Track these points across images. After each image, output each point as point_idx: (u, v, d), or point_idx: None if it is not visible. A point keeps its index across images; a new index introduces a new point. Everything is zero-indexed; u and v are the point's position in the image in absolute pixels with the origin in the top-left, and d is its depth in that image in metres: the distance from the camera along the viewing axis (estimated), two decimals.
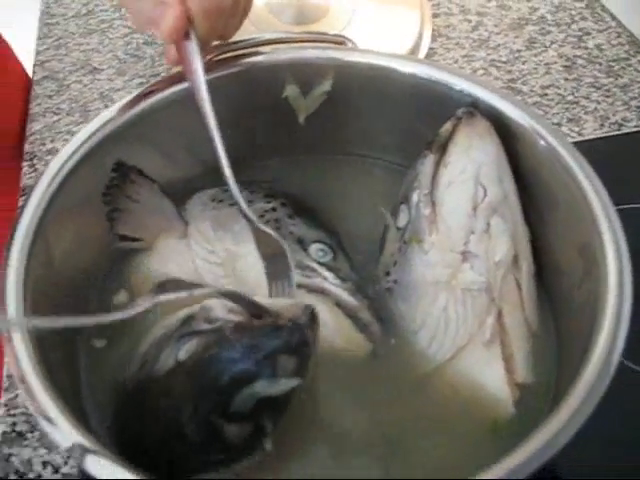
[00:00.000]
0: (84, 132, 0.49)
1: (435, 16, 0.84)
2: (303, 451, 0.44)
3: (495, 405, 0.46)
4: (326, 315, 0.48)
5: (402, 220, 0.50)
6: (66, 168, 0.47)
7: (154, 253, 0.53)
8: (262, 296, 0.47)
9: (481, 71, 0.78)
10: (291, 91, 0.53)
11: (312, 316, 0.42)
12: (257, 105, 0.55)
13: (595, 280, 0.42)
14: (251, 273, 0.50)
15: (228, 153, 0.48)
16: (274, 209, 0.53)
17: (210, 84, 0.49)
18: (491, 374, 0.46)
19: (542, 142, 0.48)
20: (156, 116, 0.52)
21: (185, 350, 0.41)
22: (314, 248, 0.51)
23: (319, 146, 0.57)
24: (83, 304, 0.50)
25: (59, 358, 0.43)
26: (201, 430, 0.40)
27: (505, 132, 0.49)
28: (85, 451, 0.35)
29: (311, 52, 0.53)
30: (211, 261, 0.51)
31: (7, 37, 0.79)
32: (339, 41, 0.54)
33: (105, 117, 0.50)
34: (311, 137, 0.56)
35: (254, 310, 0.41)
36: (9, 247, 0.43)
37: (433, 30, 0.82)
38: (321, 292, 0.49)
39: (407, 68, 0.52)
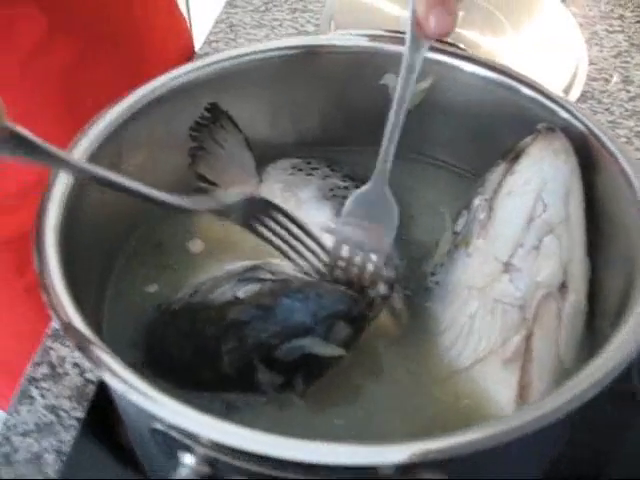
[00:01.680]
0: (188, 67, 0.52)
1: (593, 79, 0.81)
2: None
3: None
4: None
5: (460, 225, 0.49)
6: (159, 92, 0.50)
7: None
8: None
9: (624, 139, 0.74)
10: (390, 80, 0.53)
11: (390, 289, 0.43)
12: (360, 90, 0.56)
13: None
14: None
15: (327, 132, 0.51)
16: (346, 187, 0.53)
17: (317, 58, 0.51)
18: (501, 393, 0.44)
19: (622, 178, 0.45)
20: (264, 74, 0.54)
21: (245, 290, 0.42)
22: None
23: (405, 143, 0.57)
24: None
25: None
26: (236, 366, 0.41)
27: (588, 160, 0.47)
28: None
29: None
30: None
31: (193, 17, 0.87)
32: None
33: (213, 59, 0.53)
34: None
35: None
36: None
37: (587, 92, 0.79)
38: None
39: (504, 80, 0.51)
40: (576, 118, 0.48)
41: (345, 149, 0.59)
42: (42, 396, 0.55)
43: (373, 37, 0.54)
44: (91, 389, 0.55)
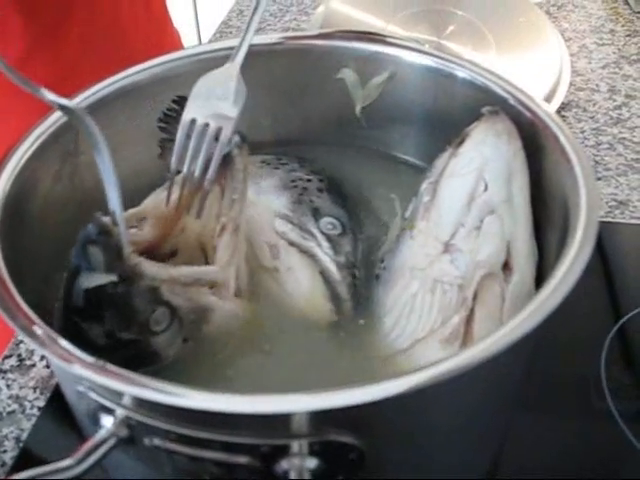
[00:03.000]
0: (152, 62, 0.54)
1: (580, 89, 0.81)
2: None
3: None
4: (305, 276, 0.48)
5: (409, 210, 0.49)
6: (120, 85, 0.52)
7: None
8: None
9: (606, 145, 0.74)
10: (348, 75, 0.54)
11: (241, 137, 0.44)
12: (318, 88, 0.57)
13: None
14: (256, 219, 0.51)
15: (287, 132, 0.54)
16: (309, 180, 0.54)
17: (274, 54, 0.52)
18: None
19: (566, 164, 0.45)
20: None
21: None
22: (326, 221, 0.51)
23: (362, 136, 0.58)
24: None
25: None
26: (73, 330, 0.40)
27: (534, 143, 0.47)
28: None
29: (374, 45, 0.54)
30: None
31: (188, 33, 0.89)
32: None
33: (175, 56, 0.55)
34: (362, 129, 0.57)
35: None
36: None
37: (572, 101, 0.80)
38: (311, 256, 0.49)
39: (457, 72, 0.52)
40: (522, 104, 0.48)
41: (324, 148, 0.60)
42: (8, 386, 0.56)
43: (326, 35, 0.55)
44: (56, 380, 0.56)
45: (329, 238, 0.50)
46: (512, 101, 0.48)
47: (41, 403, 0.55)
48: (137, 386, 0.33)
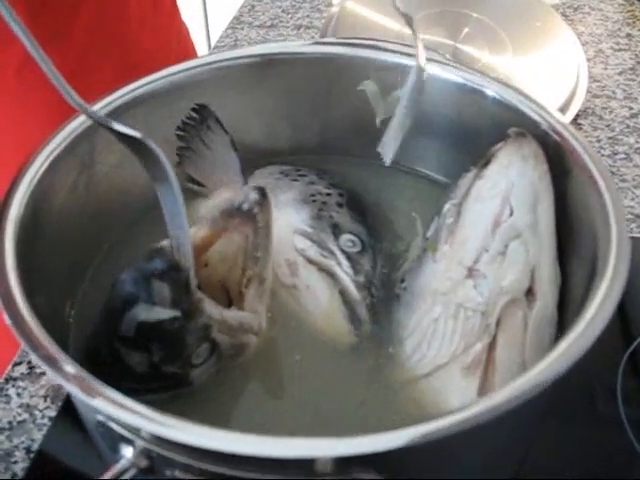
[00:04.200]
0: (170, 69, 0.52)
1: (595, 96, 0.80)
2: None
3: None
4: (324, 295, 0.48)
5: (431, 230, 0.48)
6: (138, 93, 0.51)
7: (208, 203, 0.54)
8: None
9: (622, 155, 0.73)
10: (369, 87, 0.53)
11: (261, 193, 0.42)
12: (338, 97, 0.56)
13: None
14: (275, 235, 0.50)
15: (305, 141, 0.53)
16: (329, 194, 0.53)
17: (294, 62, 0.51)
18: (460, 403, 0.42)
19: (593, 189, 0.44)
20: (245, 79, 0.55)
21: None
22: (345, 238, 0.50)
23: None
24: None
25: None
26: (110, 355, 0.40)
27: (560, 166, 0.46)
28: None
29: (397, 56, 0.53)
30: None
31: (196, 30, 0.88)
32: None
33: (194, 63, 0.53)
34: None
35: None
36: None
37: (588, 109, 0.79)
38: (330, 275, 0.48)
39: (480, 87, 0.51)
40: (549, 125, 0.47)
41: (342, 159, 0.59)
42: (18, 395, 0.55)
43: (350, 44, 0.54)
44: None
45: (349, 256, 0.49)
46: (539, 121, 0.48)
47: (52, 413, 0.54)
48: (157, 424, 0.33)
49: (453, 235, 0.46)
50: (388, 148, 0.51)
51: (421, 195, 0.55)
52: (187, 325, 0.38)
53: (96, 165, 0.50)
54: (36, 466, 0.51)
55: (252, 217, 0.41)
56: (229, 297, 0.43)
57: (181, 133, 0.54)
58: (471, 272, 0.44)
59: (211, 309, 0.39)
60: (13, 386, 0.56)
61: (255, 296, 0.42)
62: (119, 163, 0.51)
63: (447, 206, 0.47)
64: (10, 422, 0.54)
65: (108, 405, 0.34)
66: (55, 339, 0.36)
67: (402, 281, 0.48)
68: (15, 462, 0.52)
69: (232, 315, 0.41)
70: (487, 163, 0.47)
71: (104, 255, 0.52)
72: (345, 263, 0.49)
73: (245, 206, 0.42)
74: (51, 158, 0.46)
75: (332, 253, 0.49)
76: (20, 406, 0.55)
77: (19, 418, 0.54)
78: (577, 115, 0.76)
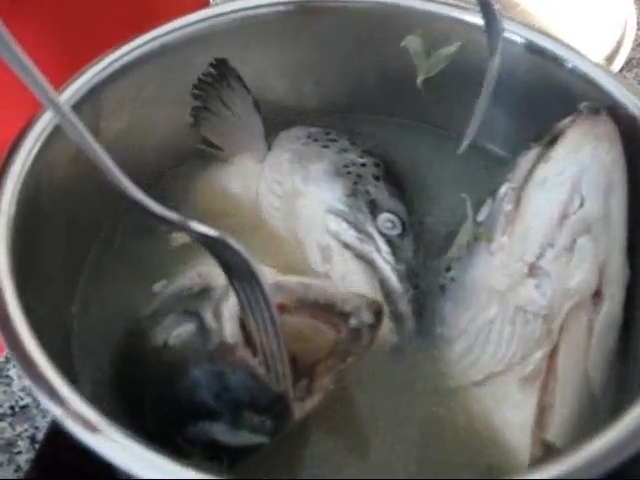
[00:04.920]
0: (184, 20, 0.46)
1: None
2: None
3: (504, 453, 0.37)
4: (362, 288, 0.42)
5: (483, 214, 0.43)
6: (150, 47, 0.44)
7: (227, 168, 0.49)
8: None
9: None
10: (413, 43, 0.47)
11: (376, 315, 0.35)
12: (375, 51, 0.49)
13: None
14: (305, 214, 0.45)
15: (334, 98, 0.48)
16: (363, 164, 0.48)
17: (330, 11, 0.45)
18: (515, 418, 0.38)
19: None
20: (274, 29, 0.49)
21: (176, 335, 0.35)
22: (384, 217, 0.45)
23: (427, 115, 0.50)
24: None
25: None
26: (160, 425, 0.35)
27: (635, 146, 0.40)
28: None
29: (447, 9, 0.47)
30: (273, 190, 0.47)
31: None
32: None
33: (215, 11, 0.47)
34: (425, 103, 0.49)
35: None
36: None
37: (632, 59, 0.72)
38: (369, 263, 0.43)
39: (542, 47, 0.44)
40: (625, 97, 0.41)
41: (371, 118, 0.53)
42: (19, 377, 0.51)
43: None
44: None
45: (389, 240, 0.44)
46: (615, 95, 0.41)
47: None
48: None
49: (512, 225, 0.40)
50: (471, 130, 0.44)
51: (471, 168, 0.48)
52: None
53: (101, 130, 0.44)
54: (42, 459, 0.47)
55: (357, 334, 0.34)
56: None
57: (197, 92, 0.47)
58: (533, 270, 0.39)
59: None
60: (14, 366, 0.51)
61: (327, 385, 0.35)
62: (126, 129, 0.46)
63: (504, 189, 0.42)
64: (12, 407, 0.49)
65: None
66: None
67: (448, 270, 0.43)
68: (19, 453, 0.47)
69: None
70: (553, 142, 0.41)
71: (105, 238, 0.46)
72: (385, 249, 0.43)
73: (353, 323, 0.34)
74: (49, 129, 0.40)
75: (370, 237, 0.44)
76: (22, 389, 0.50)
77: (21, 403, 0.50)
78: (621, 68, 0.69)
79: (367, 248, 0.43)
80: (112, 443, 0.29)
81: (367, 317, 0.34)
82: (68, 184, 0.42)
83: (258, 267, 0.30)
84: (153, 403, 0.34)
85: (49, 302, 0.38)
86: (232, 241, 0.29)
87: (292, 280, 0.36)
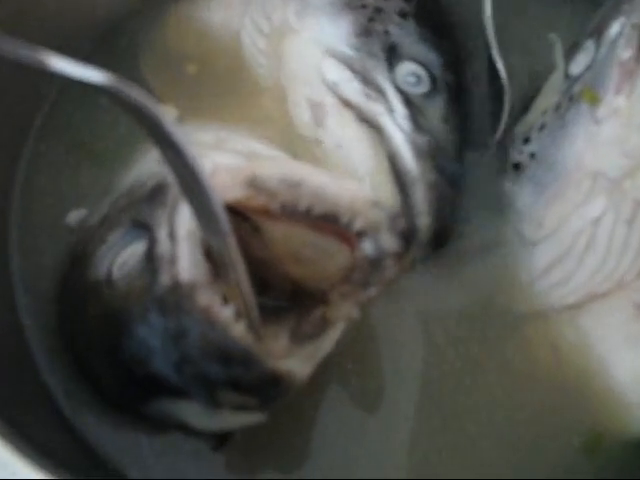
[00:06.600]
0: None
1: None
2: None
3: (613, 411, 0.28)
4: (362, 163, 0.33)
5: (579, 64, 0.32)
6: None
7: None
8: None
9: None
10: None
11: (403, 239, 0.26)
12: None
13: None
14: (295, 59, 0.35)
15: None
16: None
17: None
18: (627, 359, 0.29)
19: None
20: None
21: (121, 263, 0.26)
22: (406, 68, 0.34)
23: None
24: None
25: None
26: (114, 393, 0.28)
27: None
28: None
29: None
30: (259, 27, 0.36)
31: None
32: None
33: None
34: None
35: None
36: None
37: None
38: (375, 128, 0.32)
39: None
40: None
41: None
42: None
43: None
44: None
45: (408, 100, 0.33)
46: None
47: None
48: None
49: (632, 80, 0.28)
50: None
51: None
52: None
53: None
54: None
55: (381, 266, 0.26)
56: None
57: None
58: None
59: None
60: None
61: (346, 314, 0.27)
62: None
63: (616, 27, 0.30)
64: None
65: None
66: None
67: (525, 141, 0.32)
68: None
69: None
70: None
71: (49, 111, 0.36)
72: (401, 111, 0.33)
73: (370, 250, 0.26)
74: None
75: (381, 92, 0.33)
76: None
77: None
78: None
79: (375, 108, 0.33)
80: None
81: (389, 243, 0.26)
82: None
83: (167, 120, 0.18)
84: (100, 362, 0.26)
85: None
86: (123, 86, 0.18)
87: (271, 172, 0.25)
